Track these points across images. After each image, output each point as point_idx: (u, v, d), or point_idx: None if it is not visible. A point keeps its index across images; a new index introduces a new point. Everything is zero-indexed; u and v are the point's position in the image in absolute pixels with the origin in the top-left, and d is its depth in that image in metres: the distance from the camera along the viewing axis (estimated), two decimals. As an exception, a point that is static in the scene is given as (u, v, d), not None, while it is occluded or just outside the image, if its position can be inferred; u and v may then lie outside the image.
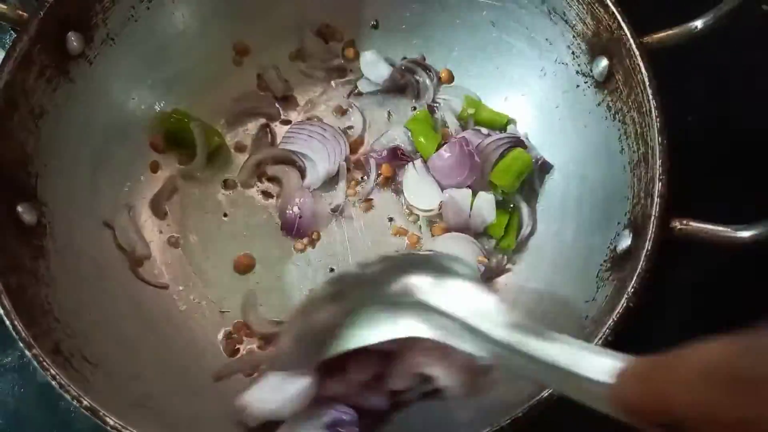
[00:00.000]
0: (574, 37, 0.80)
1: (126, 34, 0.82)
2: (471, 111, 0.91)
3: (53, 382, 0.58)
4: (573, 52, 0.81)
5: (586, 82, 0.80)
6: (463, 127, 0.90)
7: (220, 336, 0.82)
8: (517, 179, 0.84)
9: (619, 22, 0.72)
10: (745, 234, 0.61)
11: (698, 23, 0.70)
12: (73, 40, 0.76)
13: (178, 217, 0.88)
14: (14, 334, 0.59)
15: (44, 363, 0.59)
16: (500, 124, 0.90)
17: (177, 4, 0.86)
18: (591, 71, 0.79)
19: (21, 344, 0.59)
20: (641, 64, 0.70)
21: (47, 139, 0.75)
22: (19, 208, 0.69)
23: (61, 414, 0.84)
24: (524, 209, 0.85)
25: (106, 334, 0.73)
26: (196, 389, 0.76)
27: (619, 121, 0.75)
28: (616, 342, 0.59)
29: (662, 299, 0.82)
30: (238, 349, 0.81)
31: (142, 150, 0.88)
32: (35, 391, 0.86)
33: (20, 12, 0.72)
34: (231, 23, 0.91)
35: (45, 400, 0.85)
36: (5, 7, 0.73)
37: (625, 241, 0.68)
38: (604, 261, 0.71)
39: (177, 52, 0.89)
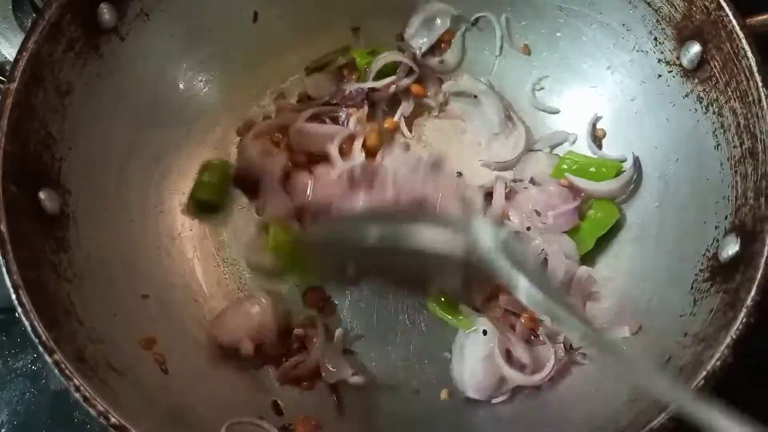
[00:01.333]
0: (657, 21, 0.72)
1: (161, 9, 0.75)
2: (570, 166, 0.79)
3: (77, 395, 0.50)
4: (656, 38, 0.73)
5: (670, 71, 0.72)
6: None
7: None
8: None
9: (718, 1, 0.64)
10: None
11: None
12: (106, 12, 0.69)
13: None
14: (33, 336, 0.51)
15: (67, 371, 0.51)
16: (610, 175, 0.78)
17: (217, -19, 0.79)
18: (678, 59, 0.71)
19: (41, 349, 0.51)
20: (747, 48, 0.62)
21: (73, 120, 0.68)
22: (41, 195, 0.62)
23: (75, 426, 0.78)
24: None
25: (133, 339, 0.65)
26: (228, 399, 0.68)
27: (714, 113, 0.66)
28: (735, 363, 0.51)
29: None
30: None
31: (176, 139, 0.80)
32: (48, 399, 0.79)
33: (49, -23, 0.65)
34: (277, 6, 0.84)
35: (59, 410, 0.78)
36: (31, -29, 0.66)
37: (731, 248, 0.59)
38: (701, 270, 0.63)
39: (215, 32, 0.81)
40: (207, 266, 0.78)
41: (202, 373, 0.68)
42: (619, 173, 0.78)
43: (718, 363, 0.51)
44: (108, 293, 0.66)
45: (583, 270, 0.74)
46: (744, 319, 0.52)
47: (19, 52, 0.61)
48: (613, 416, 0.57)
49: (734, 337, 0.51)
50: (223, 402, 0.66)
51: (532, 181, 0.81)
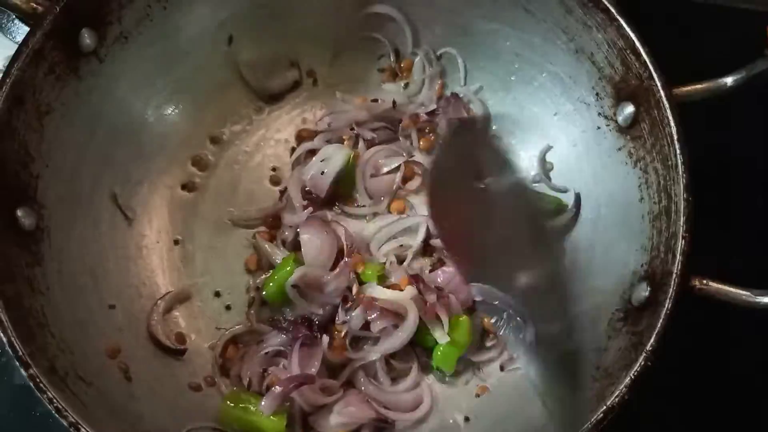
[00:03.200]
0: (600, 78, 0.79)
1: (140, 33, 0.79)
2: None
3: (50, 407, 0.55)
4: (597, 93, 0.80)
5: (608, 125, 0.79)
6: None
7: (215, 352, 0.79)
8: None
9: (650, 71, 0.71)
10: (766, 299, 0.61)
11: (728, 80, 0.70)
12: (87, 37, 0.73)
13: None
14: (11, 352, 0.56)
15: (41, 385, 0.56)
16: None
17: (193, 6, 0.83)
18: (615, 115, 0.78)
19: (17, 363, 0.56)
20: (670, 117, 0.69)
21: (51, 139, 0.72)
22: (19, 213, 0.66)
23: (37, 419, 0.81)
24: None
25: (99, 349, 0.70)
26: (188, 407, 0.73)
27: (641, 169, 0.74)
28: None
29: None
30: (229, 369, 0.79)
31: (148, 155, 0.85)
32: (10, 393, 0.83)
33: (34, 4, 0.69)
34: (249, 29, 0.88)
35: (20, 404, 0.82)
36: (18, -1, 0.69)
37: (642, 294, 0.67)
38: (617, 309, 0.71)
39: (191, 54, 0.85)
40: (171, 277, 0.83)
41: (162, 379, 0.73)
42: (558, 209, 0.85)
43: (617, 399, 0.59)
44: (77, 304, 0.70)
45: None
46: (643, 363, 0.60)
47: (2, 78, 0.65)
48: None
49: (632, 377, 0.59)
50: (181, 408, 0.71)
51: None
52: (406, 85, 0.94)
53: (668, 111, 0.69)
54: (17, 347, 0.56)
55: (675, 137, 0.68)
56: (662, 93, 0.70)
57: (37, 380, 0.56)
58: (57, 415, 0.55)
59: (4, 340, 0.57)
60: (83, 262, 0.74)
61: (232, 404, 0.71)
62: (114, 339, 0.72)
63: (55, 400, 0.56)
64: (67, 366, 0.62)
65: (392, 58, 0.95)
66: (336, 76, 0.95)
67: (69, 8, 0.69)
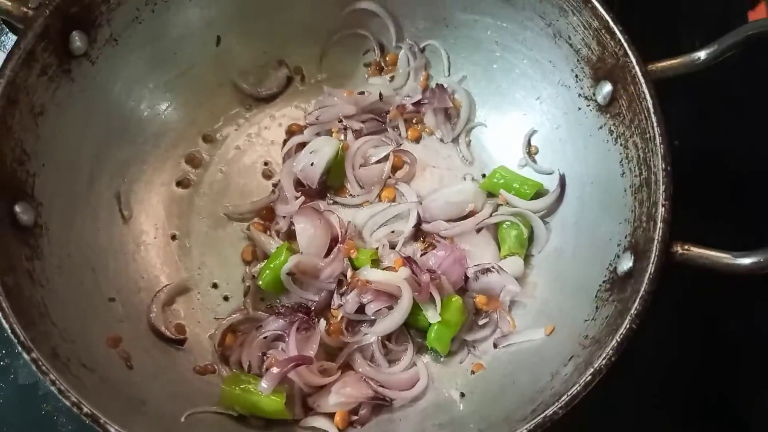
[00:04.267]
0: (578, 60, 0.81)
1: (129, 35, 0.82)
2: (498, 180, 0.88)
3: (53, 388, 0.57)
4: (576, 75, 0.82)
5: (588, 106, 0.82)
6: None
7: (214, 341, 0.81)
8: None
9: (625, 49, 0.73)
10: (746, 261, 0.62)
11: (701, 54, 0.72)
12: (77, 39, 0.75)
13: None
14: (12, 337, 0.58)
15: (43, 367, 0.58)
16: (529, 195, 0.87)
17: (181, 8, 0.85)
18: (594, 95, 0.80)
19: (20, 348, 0.58)
20: (646, 92, 0.71)
21: (46, 138, 0.74)
22: (17, 208, 0.68)
23: (43, 418, 0.82)
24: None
25: (101, 339, 0.71)
26: (189, 393, 0.75)
27: (621, 145, 0.76)
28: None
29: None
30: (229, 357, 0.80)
31: (143, 154, 0.87)
32: (16, 393, 0.84)
33: (25, 9, 0.71)
34: (236, 28, 0.91)
35: (27, 404, 0.83)
36: (9, 3, 0.71)
37: (626, 264, 0.69)
38: (604, 281, 0.72)
39: (180, 54, 0.88)
40: (170, 271, 0.84)
41: (163, 368, 0.75)
42: (538, 193, 0.87)
43: (604, 362, 0.60)
44: (78, 297, 0.72)
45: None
46: (628, 326, 0.62)
47: (-4, 78, 0.67)
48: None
49: (618, 340, 0.61)
50: (182, 394, 0.73)
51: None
52: (392, 78, 0.97)
53: (644, 86, 0.71)
54: (18, 332, 0.58)
55: (651, 110, 0.70)
56: (637, 69, 0.72)
57: (39, 363, 0.57)
58: (60, 396, 0.57)
59: (6, 326, 0.58)
60: (83, 257, 0.76)
61: (233, 386, 0.73)
62: (115, 329, 0.74)
63: (57, 382, 0.57)
64: (70, 353, 0.64)
65: (377, 53, 0.97)
66: (323, 72, 0.97)
67: (59, 11, 0.72)
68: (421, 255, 0.84)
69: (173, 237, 0.86)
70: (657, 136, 0.70)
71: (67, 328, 0.66)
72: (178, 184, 0.89)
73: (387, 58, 0.97)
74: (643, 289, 0.63)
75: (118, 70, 0.82)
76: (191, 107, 0.91)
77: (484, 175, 0.92)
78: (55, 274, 0.70)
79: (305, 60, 0.97)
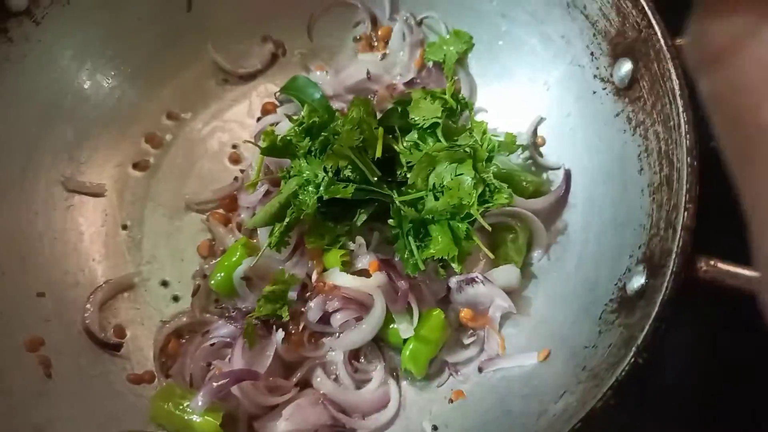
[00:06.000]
0: (594, 35, 0.69)
1: (83, -6, 0.72)
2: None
3: None
4: (592, 53, 0.70)
5: (604, 89, 0.69)
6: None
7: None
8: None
9: (649, 19, 0.61)
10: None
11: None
12: (15, -6, 0.66)
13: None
14: None
15: None
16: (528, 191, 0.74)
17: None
18: (611, 76, 0.67)
19: None
20: (672, 70, 0.58)
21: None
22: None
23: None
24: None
25: (16, 340, 0.62)
26: (115, 409, 0.64)
27: (641, 135, 0.63)
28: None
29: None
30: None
31: (95, 131, 0.77)
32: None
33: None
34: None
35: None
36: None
37: (638, 280, 0.56)
38: (610, 300, 0.60)
39: (143, 20, 0.78)
40: (115, 264, 0.74)
41: (90, 378, 0.65)
42: (538, 192, 0.75)
43: (599, 404, 0.48)
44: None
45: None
46: (632, 360, 0.49)
47: None
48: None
49: (618, 378, 0.48)
50: (107, 411, 0.63)
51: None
52: (384, 56, 0.85)
53: (669, 62, 0.59)
54: None
55: (678, 92, 0.58)
56: (662, 42, 0.60)
57: None
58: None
59: None
60: (11, 246, 0.67)
61: (165, 401, 0.62)
62: (38, 330, 0.64)
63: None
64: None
65: (368, 26, 0.86)
66: (308, 46, 0.86)
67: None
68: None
69: (124, 227, 0.76)
70: (683, 123, 0.57)
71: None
72: (135, 166, 0.79)
73: (379, 32, 0.86)
74: (654, 313, 0.50)
75: (68, 34, 0.73)
76: (155, 80, 0.81)
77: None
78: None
79: (289, 33, 0.86)
